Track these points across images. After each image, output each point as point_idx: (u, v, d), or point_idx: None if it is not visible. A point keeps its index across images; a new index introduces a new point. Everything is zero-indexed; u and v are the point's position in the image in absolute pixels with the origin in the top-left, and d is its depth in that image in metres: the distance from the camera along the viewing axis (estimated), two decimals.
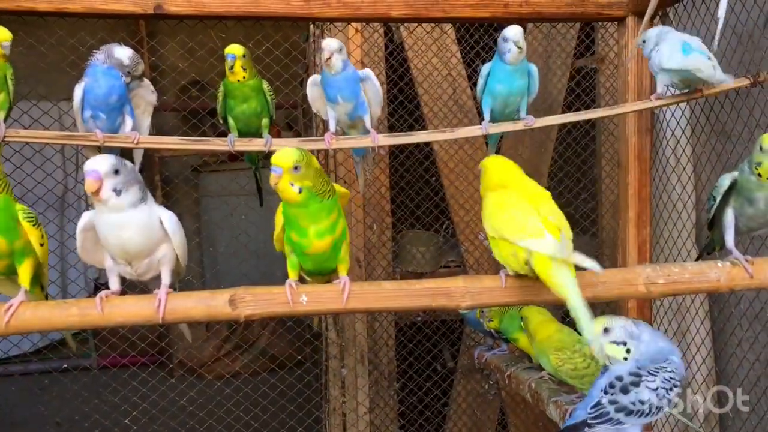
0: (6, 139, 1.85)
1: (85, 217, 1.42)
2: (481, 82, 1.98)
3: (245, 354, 5.37)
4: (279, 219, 1.49)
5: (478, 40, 3.21)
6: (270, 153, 1.84)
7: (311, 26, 3.09)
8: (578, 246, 1.40)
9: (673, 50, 1.77)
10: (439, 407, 3.27)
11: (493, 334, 2.27)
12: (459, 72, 3.22)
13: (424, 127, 3.20)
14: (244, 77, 1.94)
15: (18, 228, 1.40)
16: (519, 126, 1.96)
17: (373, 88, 2.06)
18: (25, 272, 1.41)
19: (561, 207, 1.46)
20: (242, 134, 2.06)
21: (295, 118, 6.00)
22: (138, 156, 2.14)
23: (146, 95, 2.06)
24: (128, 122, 1.99)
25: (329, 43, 1.95)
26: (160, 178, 5.55)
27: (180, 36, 3.52)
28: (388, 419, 3.22)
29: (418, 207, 3.34)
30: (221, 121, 2.10)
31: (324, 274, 1.55)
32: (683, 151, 2.61)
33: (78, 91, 1.94)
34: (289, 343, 4.76)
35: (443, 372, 3.26)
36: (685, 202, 2.63)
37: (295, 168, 1.35)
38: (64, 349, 4.84)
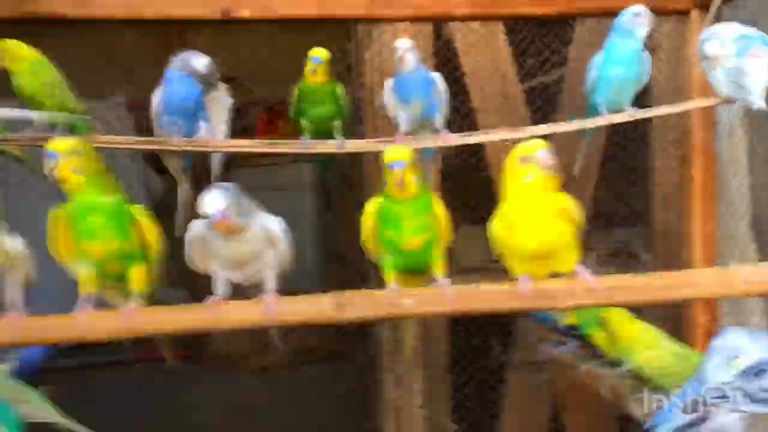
0: None
1: (194, 227, 1.44)
2: (593, 74, 1.98)
3: (280, 348, 5.41)
4: (368, 219, 1.51)
5: (527, 33, 3.20)
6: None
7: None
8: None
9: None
10: (493, 400, 3.28)
11: (561, 329, 2.28)
12: (508, 66, 3.20)
13: (473, 123, 3.20)
14: (323, 81, 1.96)
15: (131, 230, 1.42)
16: (624, 117, 1.96)
17: (440, 91, 2.07)
18: (137, 276, 1.43)
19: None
20: (315, 136, 2.08)
21: None
22: (215, 161, 2.17)
23: (222, 99, 2.09)
24: (203, 127, 2.02)
25: (402, 42, 1.97)
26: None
27: (206, 38, 3.54)
28: (442, 413, 3.25)
29: (469, 202, 3.34)
30: (294, 124, 2.12)
31: (417, 273, 1.56)
32: (739, 143, 2.60)
33: (156, 98, 1.97)
34: (321, 337, 4.82)
35: (495, 365, 3.28)
36: (742, 196, 2.62)
37: (413, 161, 1.39)
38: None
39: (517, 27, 3.19)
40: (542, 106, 3.25)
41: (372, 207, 1.49)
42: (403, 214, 1.43)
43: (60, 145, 1.34)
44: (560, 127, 2.04)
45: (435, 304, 1.45)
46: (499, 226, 1.47)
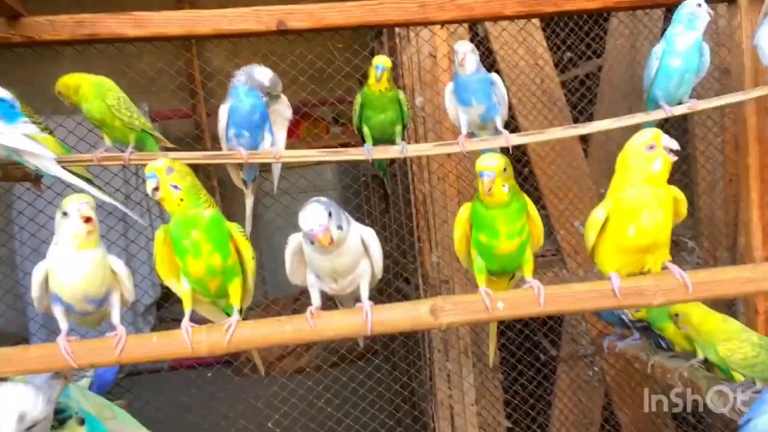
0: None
1: (294, 240, 1.46)
2: (653, 64, 1.99)
3: (310, 350, 5.45)
4: (461, 224, 1.53)
5: (563, 26, 3.20)
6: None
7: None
8: (675, 226, 1.45)
9: None
10: (544, 395, 3.30)
11: (625, 323, 2.29)
12: (546, 60, 3.21)
13: (511, 118, 3.21)
14: (386, 88, 1.98)
15: (230, 245, 1.45)
16: (684, 109, 1.97)
17: (500, 92, 2.08)
18: (235, 291, 1.46)
19: None
20: (376, 142, 2.09)
21: (341, 113, 6.03)
22: (276, 171, 2.19)
23: (283, 111, 2.11)
24: (267, 138, 2.05)
25: (462, 45, 1.98)
26: (217, 180, 5.65)
27: (229, 46, 3.57)
28: (494, 409, 3.26)
29: None
30: (357, 132, 2.13)
31: (506, 275, 1.59)
32: None
33: (223, 113, 1.99)
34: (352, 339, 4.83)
35: (545, 360, 3.29)
36: None
37: (505, 169, 1.40)
38: None
39: (553, 21, 3.20)
40: (581, 99, 3.26)
41: (465, 212, 1.51)
42: (499, 219, 1.45)
43: (156, 165, 1.37)
44: (624, 120, 2.04)
45: (527, 307, 1.46)
46: (613, 214, 1.46)
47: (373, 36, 3.65)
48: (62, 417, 1.61)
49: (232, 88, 1.99)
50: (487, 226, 1.47)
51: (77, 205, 1.33)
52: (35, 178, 2.19)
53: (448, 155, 3.06)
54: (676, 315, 1.92)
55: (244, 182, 2.19)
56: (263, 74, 1.98)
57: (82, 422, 1.63)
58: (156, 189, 1.35)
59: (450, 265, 3.13)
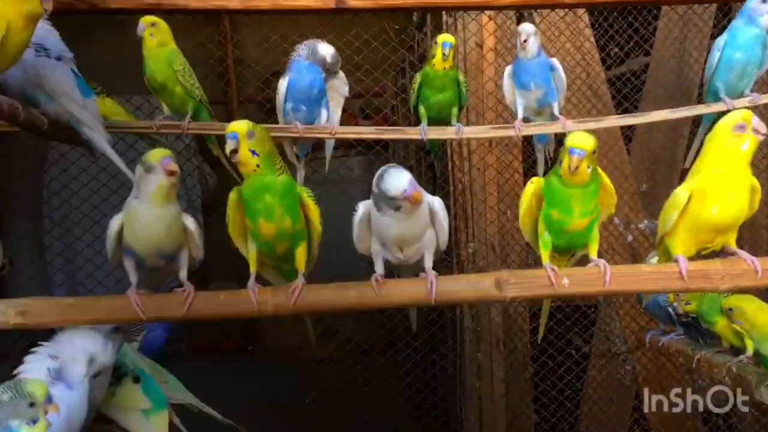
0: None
1: (362, 207, 1.47)
2: (715, 56, 2.00)
3: (331, 341, 5.46)
4: (528, 198, 1.52)
5: (612, 23, 3.19)
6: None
7: (443, 15, 3.09)
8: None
9: None
10: (574, 393, 3.28)
11: (672, 317, 2.27)
12: (593, 57, 3.19)
13: None
14: (450, 66, 1.98)
15: (300, 210, 1.45)
16: (745, 102, 1.96)
17: (560, 77, 2.08)
18: (301, 255, 1.47)
19: None
20: (431, 122, 2.10)
21: (368, 104, 6.02)
22: (329, 149, 2.21)
23: (340, 88, 2.13)
24: (324, 114, 2.06)
25: (526, 27, 1.99)
26: None
27: (263, 30, 3.58)
28: (523, 403, 3.25)
29: None
30: (412, 111, 2.14)
31: (568, 252, 1.59)
32: None
33: (282, 85, 2.01)
34: (372, 330, 4.84)
35: (577, 357, 3.27)
36: None
37: (594, 151, 1.40)
38: None
39: (602, 17, 3.19)
40: (626, 97, 3.24)
41: (533, 187, 1.51)
42: (575, 198, 1.44)
43: (239, 126, 1.37)
44: (681, 112, 2.03)
45: (592, 285, 1.45)
46: (695, 193, 1.45)
47: (414, 27, 3.66)
48: (118, 374, 1.63)
49: (293, 62, 2.01)
50: (561, 202, 1.46)
51: (161, 158, 1.35)
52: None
53: (490, 148, 3.06)
54: (730, 309, 1.91)
55: (297, 156, 2.20)
56: (326, 50, 2.00)
57: (137, 380, 1.65)
58: (235, 151, 1.36)
59: (485, 257, 3.13)
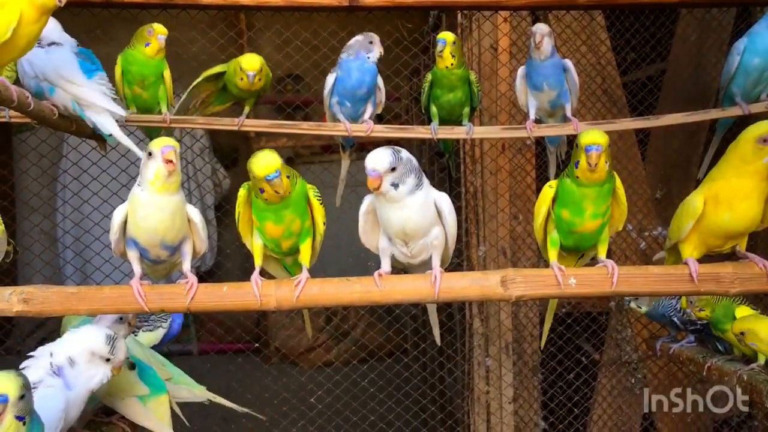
0: (243, 128, 1.95)
1: (366, 201, 1.47)
2: (733, 59, 1.97)
3: (340, 344, 5.45)
4: (546, 200, 1.50)
5: (628, 26, 3.16)
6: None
7: (458, 16, 3.08)
8: None
9: None
10: (583, 400, 3.24)
11: (678, 325, 2.24)
12: (608, 60, 3.16)
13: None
14: (452, 64, 1.96)
15: (308, 209, 1.47)
16: (761, 107, 1.93)
17: (572, 78, 2.06)
18: (306, 250, 1.47)
19: None
20: (443, 122, 2.08)
21: (387, 110, 6.01)
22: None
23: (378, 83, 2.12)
24: (369, 110, 2.07)
25: (540, 27, 1.97)
26: None
27: (276, 27, 3.58)
28: (531, 410, 3.21)
29: None
30: (423, 111, 2.13)
31: (576, 253, 1.57)
32: None
33: (330, 80, 2.03)
34: (381, 334, 4.82)
35: (587, 364, 3.23)
36: None
37: (608, 146, 1.39)
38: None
39: (618, 21, 3.16)
40: (641, 102, 3.20)
41: (552, 192, 1.49)
42: (588, 198, 1.43)
43: (277, 163, 1.37)
44: (696, 116, 2.00)
45: (599, 285, 1.43)
46: (709, 200, 1.45)
47: (430, 28, 3.65)
48: None
49: (342, 59, 2.02)
50: (572, 202, 1.44)
51: (162, 147, 1.35)
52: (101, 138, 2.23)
53: (502, 151, 3.03)
54: (742, 333, 1.87)
55: (342, 147, 2.23)
56: (374, 50, 2.01)
57: (132, 366, 1.66)
58: (280, 187, 1.36)
59: (495, 260, 3.10)
